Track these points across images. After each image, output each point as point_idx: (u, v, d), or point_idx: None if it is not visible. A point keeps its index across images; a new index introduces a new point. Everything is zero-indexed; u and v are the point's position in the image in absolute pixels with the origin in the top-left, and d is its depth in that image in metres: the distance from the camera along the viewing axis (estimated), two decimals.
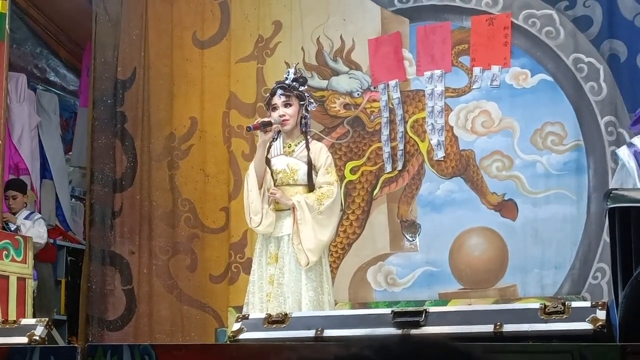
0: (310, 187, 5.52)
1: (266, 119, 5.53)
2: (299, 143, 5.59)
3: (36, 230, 8.22)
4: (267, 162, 5.54)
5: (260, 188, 5.48)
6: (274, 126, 5.47)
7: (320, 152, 5.57)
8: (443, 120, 7.68)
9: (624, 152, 5.27)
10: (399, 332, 3.25)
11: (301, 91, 5.59)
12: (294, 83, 5.59)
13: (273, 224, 5.46)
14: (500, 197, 7.50)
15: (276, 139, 5.61)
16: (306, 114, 5.62)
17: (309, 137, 5.64)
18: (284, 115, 5.52)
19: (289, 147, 5.58)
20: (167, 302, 8.22)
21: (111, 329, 8.25)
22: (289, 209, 5.47)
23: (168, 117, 8.46)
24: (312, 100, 5.71)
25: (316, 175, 5.53)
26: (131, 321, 8.25)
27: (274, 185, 5.50)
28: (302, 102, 5.56)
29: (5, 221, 8.19)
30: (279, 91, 5.56)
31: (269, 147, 5.58)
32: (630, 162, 5.17)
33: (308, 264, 5.35)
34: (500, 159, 7.54)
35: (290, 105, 5.54)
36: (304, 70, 7.73)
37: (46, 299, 8.92)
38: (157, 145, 8.42)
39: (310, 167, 5.51)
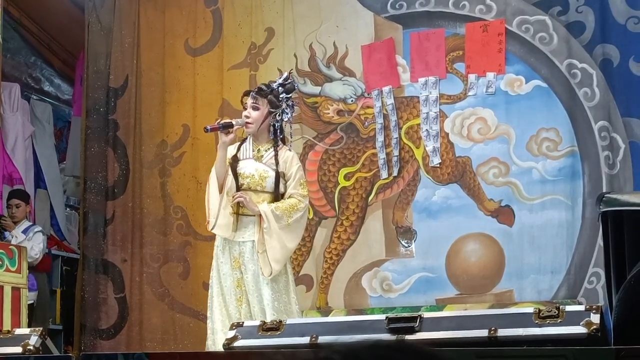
0: (276, 196, 5.39)
1: (227, 120, 5.42)
2: (268, 149, 5.46)
3: (29, 245, 8.18)
4: (236, 162, 5.43)
5: (220, 191, 5.35)
6: (235, 127, 5.36)
7: (292, 162, 5.44)
8: (438, 127, 7.67)
9: None
10: (393, 338, 3.24)
11: (279, 98, 5.42)
12: (279, 88, 5.46)
13: (230, 226, 5.33)
14: (497, 203, 7.49)
15: (246, 139, 5.53)
16: (276, 122, 5.44)
17: (278, 145, 5.47)
18: (248, 117, 5.40)
19: (258, 152, 5.46)
20: (158, 310, 8.17)
21: (104, 337, 8.21)
22: (253, 215, 5.35)
23: (160, 125, 8.44)
24: (287, 111, 5.49)
25: (284, 184, 5.42)
26: (123, 329, 8.22)
27: (238, 189, 5.35)
28: (273, 109, 5.41)
29: (4, 227, 8.28)
30: (252, 92, 5.47)
31: (239, 147, 5.49)
32: None
33: (271, 274, 5.24)
34: (497, 165, 7.53)
35: (258, 109, 5.40)
36: (297, 76, 7.68)
37: (42, 308, 8.89)
38: (149, 153, 8.40)
39: (278, 175, 5.39)
